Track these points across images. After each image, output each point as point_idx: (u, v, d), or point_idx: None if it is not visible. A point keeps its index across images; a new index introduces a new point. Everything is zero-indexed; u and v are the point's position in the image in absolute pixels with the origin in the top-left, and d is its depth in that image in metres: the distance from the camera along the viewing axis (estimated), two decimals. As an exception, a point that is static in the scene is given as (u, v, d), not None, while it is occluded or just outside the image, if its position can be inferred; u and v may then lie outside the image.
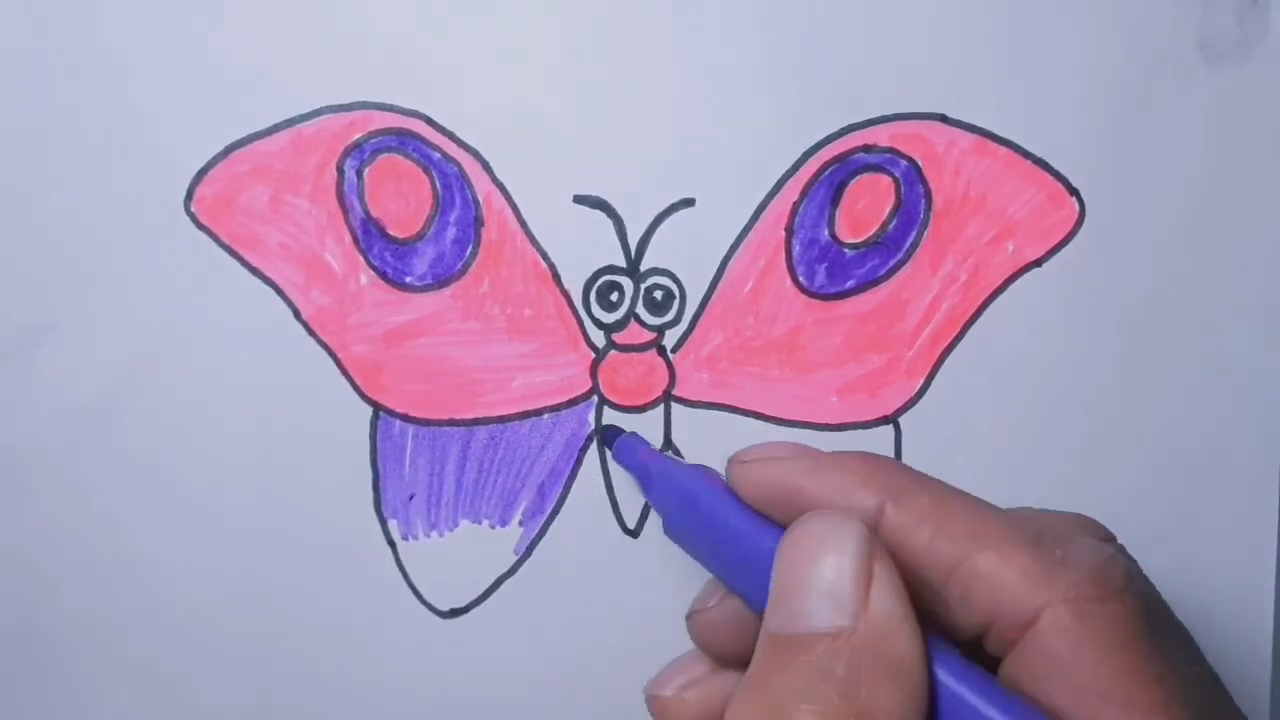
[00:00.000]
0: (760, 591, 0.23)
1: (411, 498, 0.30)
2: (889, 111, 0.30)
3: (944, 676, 0.21)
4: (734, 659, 0.27)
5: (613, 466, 0.31)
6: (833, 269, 0.30)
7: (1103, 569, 0.22)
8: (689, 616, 0.28)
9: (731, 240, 0.30)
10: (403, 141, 0.30)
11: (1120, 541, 0.24)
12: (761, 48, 0.30)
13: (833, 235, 0.30)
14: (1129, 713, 0.21)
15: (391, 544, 0.30)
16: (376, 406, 0.30)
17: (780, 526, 0.24)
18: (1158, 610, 0.23)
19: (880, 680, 0.21)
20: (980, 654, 0.23)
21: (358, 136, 0.30)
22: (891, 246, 0.30)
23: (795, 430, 0.31)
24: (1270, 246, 0.30)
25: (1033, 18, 0.30)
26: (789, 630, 0.22)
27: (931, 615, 0.23)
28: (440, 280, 0.30)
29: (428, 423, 0.30)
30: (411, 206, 0.30)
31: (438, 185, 0.30)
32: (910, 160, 0.30)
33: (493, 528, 0.31)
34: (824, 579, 0.22)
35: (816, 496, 0.24)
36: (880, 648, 0.21)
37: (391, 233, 0.30)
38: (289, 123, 0.30)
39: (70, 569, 0.30)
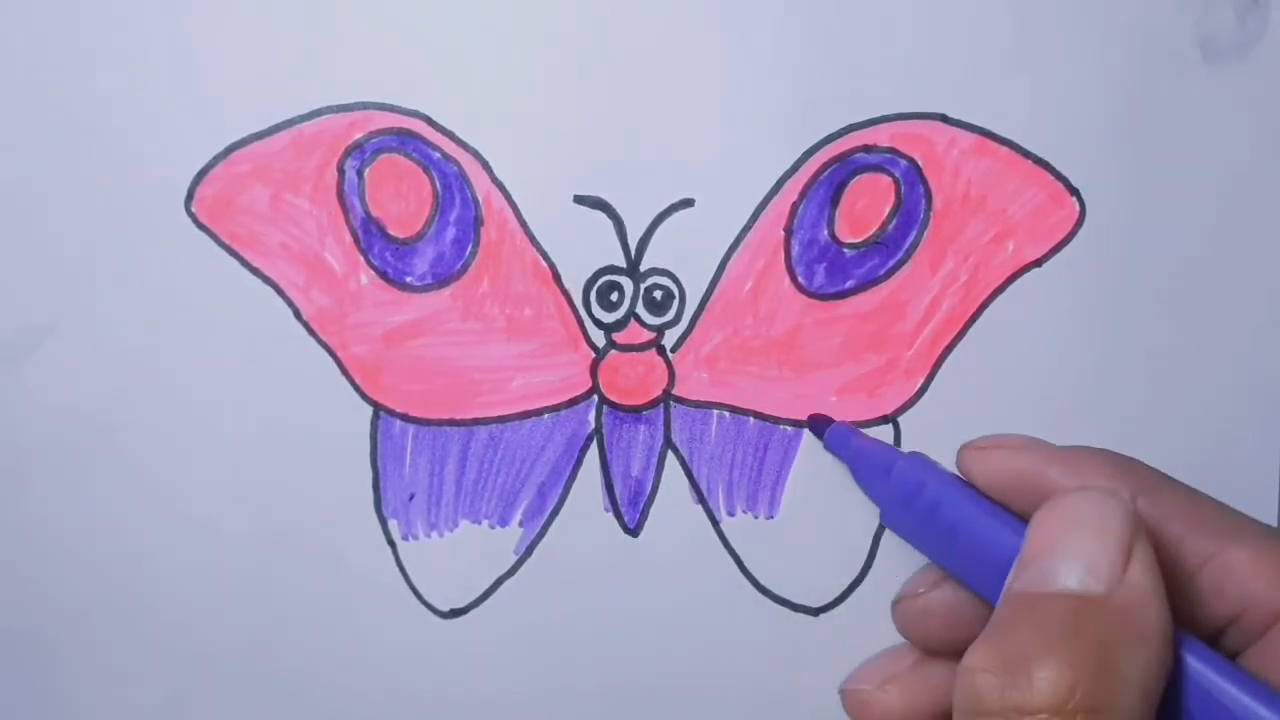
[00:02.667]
0: (992, 578, 0.24)
1: (411, 498, 0.30)
2: (889, 111, 0.30)
3: (1190, 657, 0.22)
4: (941, 648, 0.28)
5: (614, 466, 0.31)
6: (832, 269, 0.30)
7: None
8: (896, 603, 0.29)
9: (731, 240, 0.30)
10: (403, 141, 0.30)
11: None
12: (761, 48, 0.30)
13: (832, 235, 0.30)
14: None
15: (391, 544, 0.30)
16: (376, 406, 0.30)
17: (1017, 514, 0.25)
18: None
19: (1129, 645, 0.21)
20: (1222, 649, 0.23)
21: (358, 136, 0.30)
22: (891, 246, 0.30)
23: (795, 430, 0.30)
24: (1271, 246, 0.30)
25: (1033, 18, 0.30)
26: (1040, 589, 0.22)
27: (1177, 606, 0.23)
28: (440, 280, 0.30)
29: (428, 423, 0.30)
30: (412, 206, 0.30)
31: (438, 185, 0.30)
32: (910, 160, 0.30)
33: (493, 528, 0.31)
34: (1084, 547, 0.22)
35: (1064, 485, 0.25)
36: (1133, 617, 0.21)
37: (392, 233, 0.30)
38: (289, 123, 0.30)
39: (69, 568, 0.30)
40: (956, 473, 0.28)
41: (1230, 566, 0.23)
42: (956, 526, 0.26)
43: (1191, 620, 0.24)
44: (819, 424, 0.30)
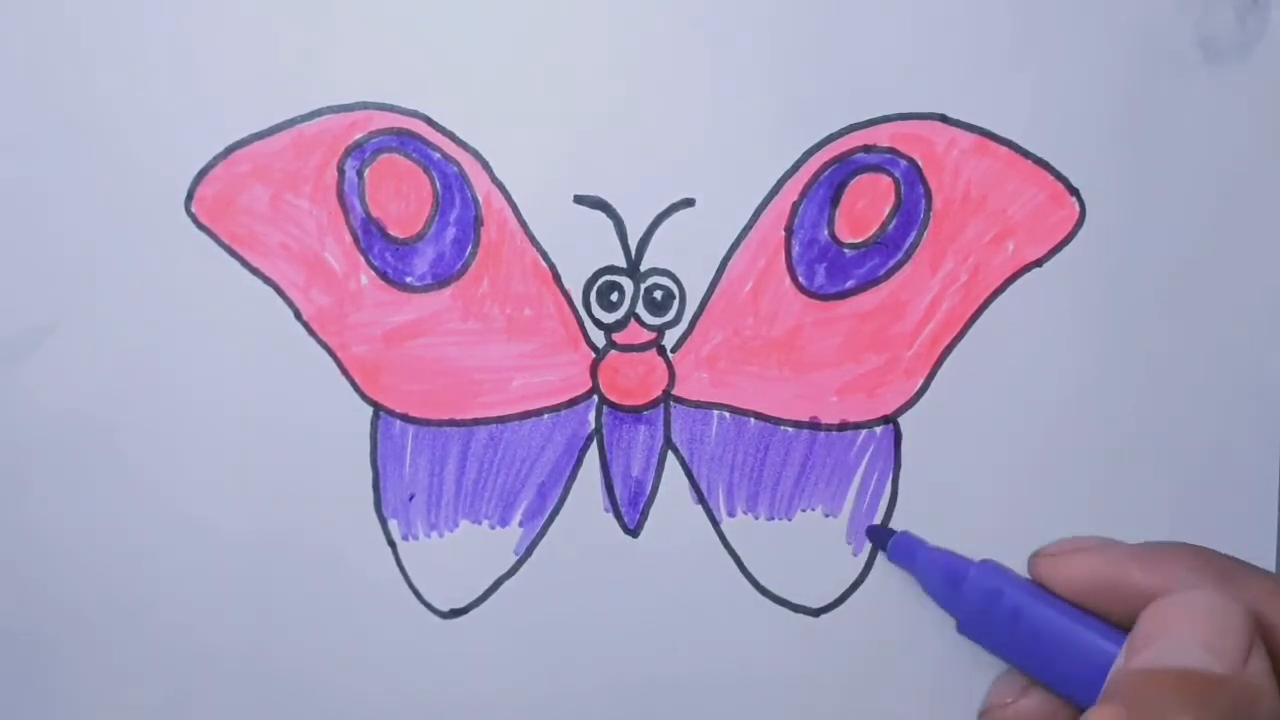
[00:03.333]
0: (1083, 682, 0.25)
1: (411, 498, 0.30)
2: (889, 111, 0.30)
3: None
4: None
5: (614, 466, 0.31)
6: (832, 269, 0.30)
7: None
8: (983, 714, 0.29)
9: (731, 240, 0.30)
10: (403, 141, 0.30)
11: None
12: (761, 48, 0.30)
13: (832, 235, 0.30)
14: None
15: (391, 544, 0.30)
16: (376, 406, 0.30)
17: (1100, 617, 0.26)
18: None
19: None
20: None
21: (358, 136, 0.30)
22: (891, 246, 0.30)
23: (795, 430, 0.30)
24: (1271, 246, 0.30)
25: (1032, 18, 0.30)
26: (1160, 665, 0.22)
27: None
28: (440, 280, 0.30)
29: (428, 423, 0.30)
30: (412, 206, 0.30)
31: (438, 185, 0.30)
32: (910, 160, 0.30)
33: (493, 528, 0.31)
34: (1204, 634, 0.23)
35: (1148, 583, 0.25)
36: (1252, 703, 0.22)
37: (392, 233, 0.30)
38: (290, 123, 0.30)
39: (70, 568, 0.30)
40: (1028, 577, 0.29)
41: None
42: (1040, 635, 0.27)
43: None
44: (881, 535, 0.30)
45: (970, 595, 0.28)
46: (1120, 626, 0.26)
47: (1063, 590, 0.27)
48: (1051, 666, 0.27)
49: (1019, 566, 0.30)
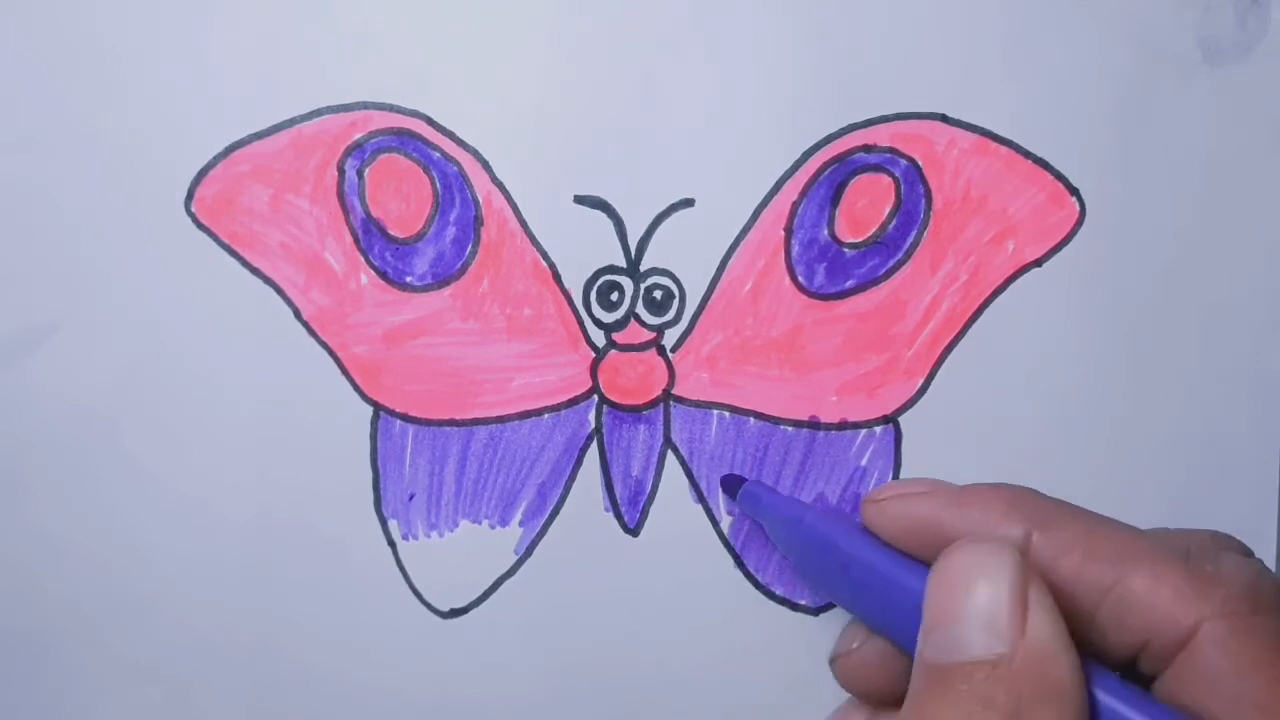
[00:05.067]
0: (907, 629, 0.23)
1: (411, 498, 0.30)
2: (889, 111, 0.30)
3: (1104, 697, 0.21)
4: (887, 699, 0.27)
5: (614, 466, 0.31)
6: (832, 269, 0.30)
7: (1254, 582, 0.22)
8: (833, 660, 0.28)
9: (731, 240, 0.30)
10: (403, 141, 0.30)
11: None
12: (761, 48, 0.30)
13: (832, 235, 0.30)
14: None
15: (391, 544, 0.30)
16: (377, 406, 0.30)
17: (923, 563, 0.24)
18: None
19: (1041, 706, 0.21)
20: (1131, 677, 0.23)
21: (358, 136, 0.30)
22: (891, 246, 0.30)
23: (795, 429, 0.30)
24: (1271, 246, 0.30)
25: (1033, 17, 0.30)
26: (946, 659, 0.22)
27: (1083, 639, 0.23)
28: (440, 280, 0.30)
29: (428, 423, 0.30)
30: (412, 206, 0.30)
31: (438, 185, 0.30)
32: (910, 160, 0.30)
33: (493, 528, 0.31)
34: (980, 606, 0.22)
35: (959, 529, 0.24)
36: (1040, 674, 0.21)
37: (392, 232, 0.30)
38: (289, 123, 0.30)
39: (69, 568, 0.30)
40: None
41: (1129, 596, 0.23)
42: (865, 582, 0.26)
43: (1103, 653, 0.23)
44: (730, 482, 0.30)
45: (805, 543, 0.27)
46: None
47: (886, 536, 0.26)
48: (879, 615, 0.25)
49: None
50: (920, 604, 0.23)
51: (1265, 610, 0.22)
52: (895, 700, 0.26)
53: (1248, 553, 0.24)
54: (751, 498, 0.29)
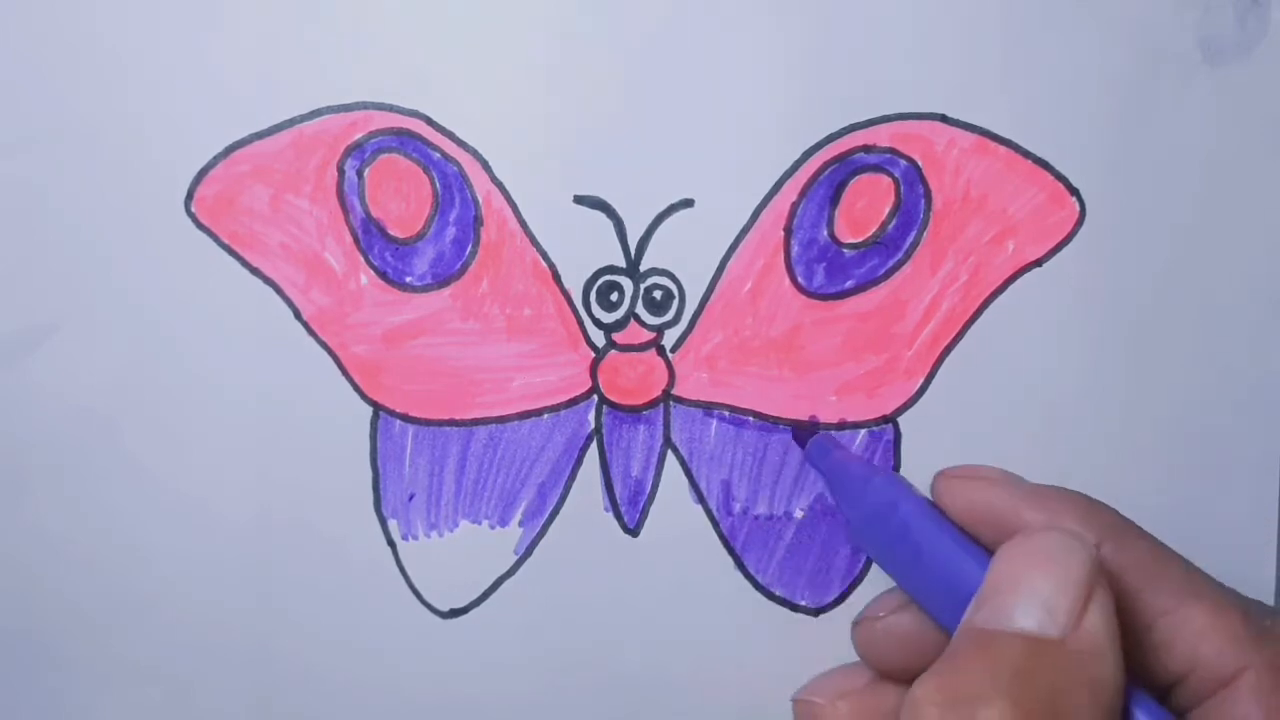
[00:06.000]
0: (954, 607, 0.23)
1: (411, 498, 0.30)
2: (889, 111, 0.30)
3: (1138, 710, 0.22)
4: (896, 673, 0.28)
5: (614, 466, 0.31)
6: (832, 269, 0.30)
7: None
8: (856, 623, 0.29)
9: (731, 240, 0.30)
10: (403, 141, 0.30)
11: None
12: (761, 48, 0.30)
13: (832, 235, 0.30)
14: None
15: (391, 544, 0.30)
16: (376, 406, 0.30)
17: (986, 547, 0.25)
18: None
19: (1080, 694, 0.21)
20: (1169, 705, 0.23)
21: (358, 136, 0.30)
22: (891, 246, 0.30)
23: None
24: (1271, 246, 0.30)
25: (1033, 17, 0.30)
26: (996, 625, 0.22)
27: (1129, 657, 0.23)
28: (440, 280, 0.30)
29: (428, 423, 0.30)
30: (411, 206, 0.30)
31: (437, 185, 0.30)
32: (910, 160, 0.30)
33: (493, 528, 0.31)
34: (1044, 588, 0.22)
35: (1033, 522, 0.25)
36: (1086, 665, 0.21)
37: (392, 232, 0.30)
38: (290, 123, 0.30)
39: (69, 569, 0.30)
40: (930, 497, 0.28)
41: (1184, 625, 0.23)
42: (923, 552, 0.26)
43: (1142, 674, 0.23)
44: (802, 434, 0.30)
45: (867, 503, 0.28)
46: None
47: (956, 514, 0.26)
48: (927, 587, 0.26)
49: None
50: (975, 587, 0.23)
51: None
52: (905, 675, 0.27)
53: None
54: (821, 450, 0.30)
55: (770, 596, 0.31)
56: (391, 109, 0.30)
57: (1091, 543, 0.24)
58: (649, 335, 0.30)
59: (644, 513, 0.31)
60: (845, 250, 0.30)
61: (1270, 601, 0.31)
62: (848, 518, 0.28)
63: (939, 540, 0.26)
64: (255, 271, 0.30)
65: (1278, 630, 0.23)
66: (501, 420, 0.30)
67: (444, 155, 0.30)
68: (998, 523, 0.25)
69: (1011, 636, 0.22)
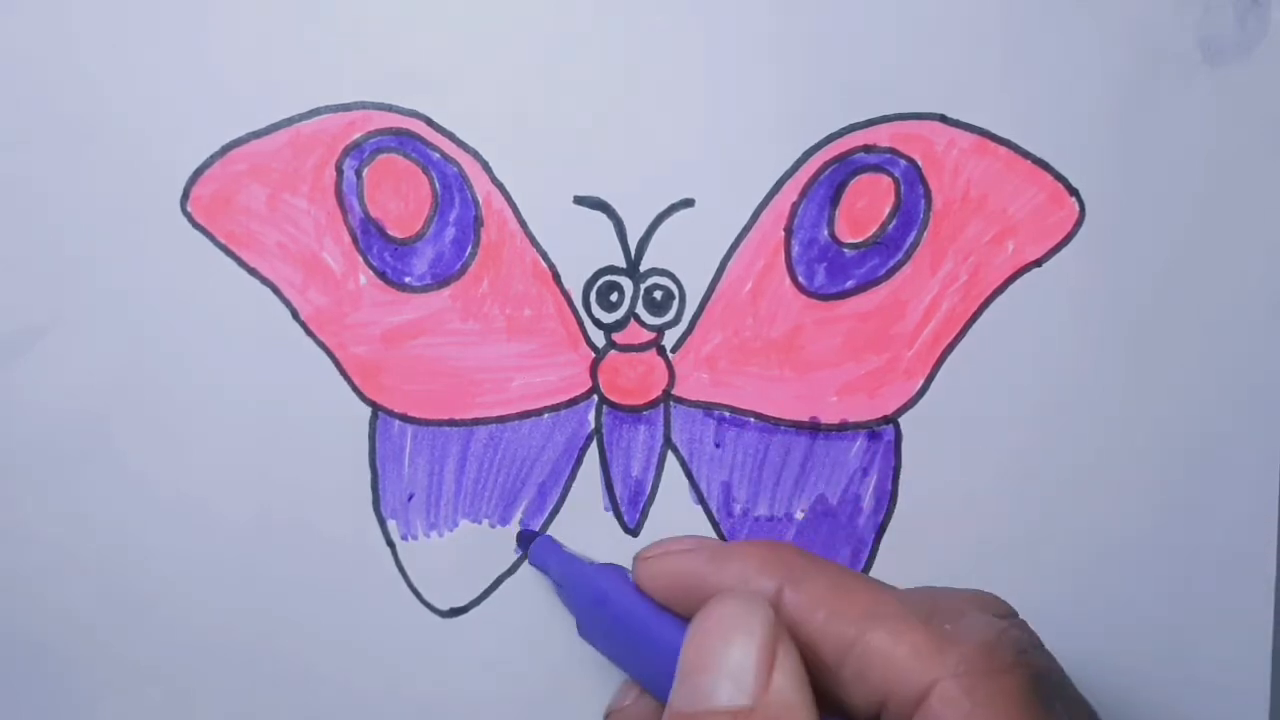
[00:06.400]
0: (669, 684, 0.23)
1: (411, 498, 0.30)
2: (889, 111, 0.30)
3: None
4: None
5: (614, 466, 0.31)
6: (832, 269, 0.30)
7: (993, 642, 0.23)
8: (607, 716, 0.29)
9: (731, 240, 0.30)
10: (402, 141, 0.30)
11: (1021, 617, 0.25)
12: (761, 48, 0.30)
13: (832, 235, 0.30)
14: None
15: (391, 544, 0.30)
16: (375, 407, 0.30)
17: (686, 619, 0.24)
18: (1052, 682, 0.23)
19: None
20: None
21: (357, 136, 0.30)
22: (891, 246, 0.30)
23: (795, 430, 0.31)
24: (1271, 246, 0.30)
25: (1033, 17, 0.30)
26: (692, 707, 0.22)
27: (831, 696, 0.23)
28: (440, 280, 0.30)
29: (427, 423, 0.30)
30: (411, 206, 0.30)
31: (437, 185, 0.30)
32: (910, 160, 0.30)
33: (492, 527, 0.31)
34: (730, 659, 0.22)
35: (719, 584, 0.25)
36: None
37: (391, 233, 0.30)
38: (287, 122, 0.29)
39: (66, 569, 0.30)
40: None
41: (870, 652, 0.23)
42: (636, 637, 0.26)
43: (850, 708, 0.23)
44: (525, 537, 0.30)
45: (583, 599, 0.28)
46: None
47: (657, 594, 0.26)
48: (648, 673, 0.26)
49: (1020, 566, 0.30)
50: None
51: (1001, 670, 0.22)
52: None
53: (1007, 613, 0.25)
54: (541, 553, 0.30)
55: (770, 595, 0.31)
56: (390, 109, 0.29)
57: (771, 592, 0.24)
58: (649, 335, 0.30)
59: (644, 513, 0.31)
60: (846, 250, 0.30)
61: (1268, 608, 0.31)
62: (575, 616, 0.28)
63: (642, 623, 0.26)
64: (253, 271, 0.30)
65: (959, 634, 0.23)
66: (501, 420, 0.30)
67: (443, 155, 0.30)
68: (692, 593, 0.25)
69: (707, 716, 0.22)
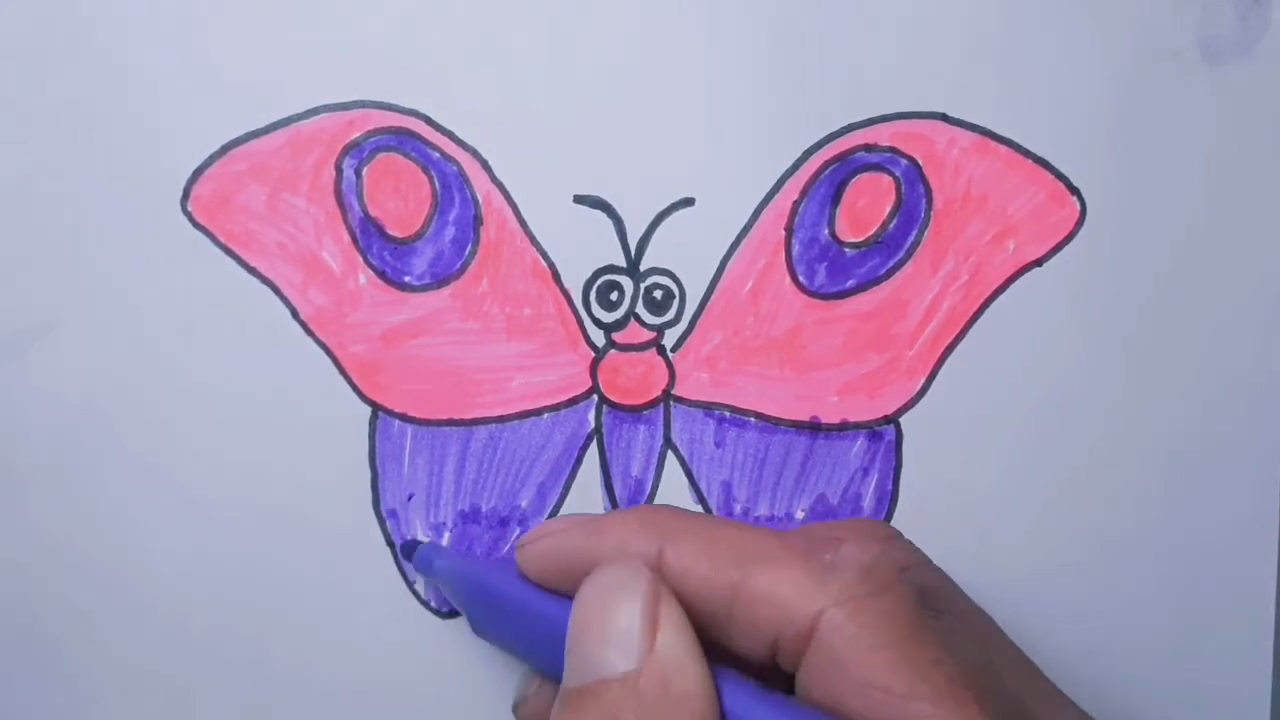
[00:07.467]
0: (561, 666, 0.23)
1: (411, 497, 0.30)
2: (889, 111, 0.30)
3: (735, 705, 0.22)
4: None
5: (614, 465, 0.30)
6: (833, 268, 0.30)
7: (871, 565, 0.23)
8: (515, 708, 0.29)
9: (731, 240, 0.30)
10: (402, 141, 0.30)
11: (907, 538, 0.25)
12: (761, 47, 0.30)
13: (833, 234, 0.30)
14: (912, 702, 0.21)
15: (391, 544, 0.30)
16: (375, 406, 0.30)
17: (570, 598, 0.24)
18: (941, 596, 0.23)
19: (671, 716, 0.21)
20: (784, 676, 0.23)
21: (356, 135, 0.29)
22: (892, 246, 0.30)
23: (795, 430, 0.31)
24: (1271, 246, 0.30)
25: (1033, 17, 0.30)
26: (582, 681, 0.22)
27: (727, 645, 0.23)
28: (439, 280, 0.30)
29: (427, 422, 0.30)
30: (410, 206, 0.30)
31: (437, 185, 0.30)
32: (911, 159, 0.30)
33: (492, 528, 0.31)
34: (613, 627, 0.22)
35: (599, 556, 0.24)
36: (667, 686, 0.21)
37: (390, 232, 0.30)
38: (287, 121, 0.29)
39: (66, 569, 0.30)
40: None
41: (753, 594, 0.23)
42: (527, 624, 0.26)
43: (745, 655, 0.23)
44: (408, 547, 0.30)
45: (472, 596, 0.28)
46: None
47: (540, 579, 0.26)
48: (542, 657, 0.25)
49: (1020, 565, 0.30)
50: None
51: (882, 592, 0.22)
52: None
53: (888, 535, 0.25)
54: (424, 559, 0.29)
55: (770, 595, 0.31)
56: (390, 108, 0.29)
57: (652, 555, 0.24)
58: (649, 335, 0.30)
59: (644, 512, 0.31)
60: (846, 249, 0.30)
61: (1269, 608, 0.31)
62: (466, 614, 0.28)
63: (529, 610, 0.25)
64: (252, 271, 0.30)
65: (839, 562, 0.23)
66: (501, 420, 0.30)
67: (443, 155, 0.30)
68: (575, 570, 0.25)
69: (597, 686, 0.22)
